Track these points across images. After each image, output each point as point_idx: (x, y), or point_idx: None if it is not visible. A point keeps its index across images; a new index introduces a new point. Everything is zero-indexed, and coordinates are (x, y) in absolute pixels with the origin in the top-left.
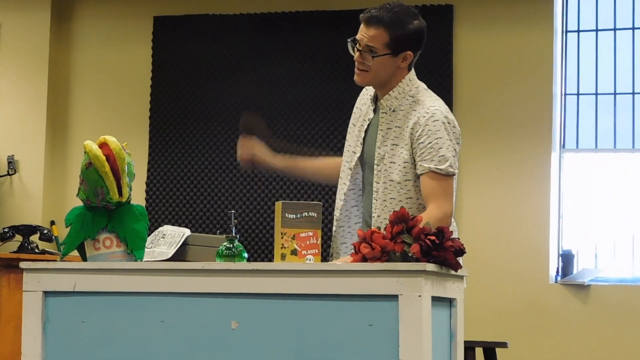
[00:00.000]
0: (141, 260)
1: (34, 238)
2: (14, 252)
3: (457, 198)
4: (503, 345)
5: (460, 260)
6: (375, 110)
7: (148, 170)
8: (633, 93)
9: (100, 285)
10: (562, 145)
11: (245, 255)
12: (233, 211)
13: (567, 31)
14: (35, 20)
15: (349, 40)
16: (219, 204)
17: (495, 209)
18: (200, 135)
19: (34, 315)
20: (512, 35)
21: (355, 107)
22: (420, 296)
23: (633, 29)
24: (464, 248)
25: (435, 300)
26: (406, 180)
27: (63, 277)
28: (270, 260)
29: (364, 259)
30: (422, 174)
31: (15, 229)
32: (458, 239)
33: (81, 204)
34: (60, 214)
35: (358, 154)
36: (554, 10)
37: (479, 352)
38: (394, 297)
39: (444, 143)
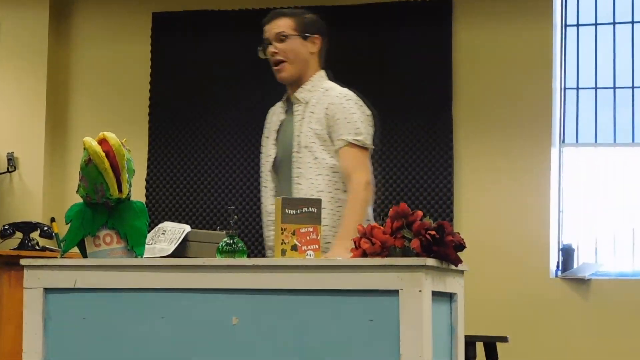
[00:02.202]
0: (141, 257)
1: (34, 235)
2: (14, 249)
3: (457, 193)
4: (504, 339)
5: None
6: (287, 112)
7: (148, 166)
8: (633, 87)
9: (100, 281)
10: (562, 140)
11: (246, 251)
12: (233, 207)
13: (566, 25)
14: (34, 17)
15: (259, 48)
16: (219, 200)
17: (495, 204)
18: (200, 131)
19: (34, 312)
20: (511, 30)
21: (265, 123)
22: (420, 291)
23: (632, 22)
24: (464, 243)
25: (436, 295)
26: (330, 157)
27: (63, 273)
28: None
29: (364, 254)
30: (340, 148)
31: (16, 226)
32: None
33: (81, 200)
34: (60, 210)
35: (273, 156)
36: (553, 5)
37: (479, 347)
38: (395, 292)
39: (358, 118)
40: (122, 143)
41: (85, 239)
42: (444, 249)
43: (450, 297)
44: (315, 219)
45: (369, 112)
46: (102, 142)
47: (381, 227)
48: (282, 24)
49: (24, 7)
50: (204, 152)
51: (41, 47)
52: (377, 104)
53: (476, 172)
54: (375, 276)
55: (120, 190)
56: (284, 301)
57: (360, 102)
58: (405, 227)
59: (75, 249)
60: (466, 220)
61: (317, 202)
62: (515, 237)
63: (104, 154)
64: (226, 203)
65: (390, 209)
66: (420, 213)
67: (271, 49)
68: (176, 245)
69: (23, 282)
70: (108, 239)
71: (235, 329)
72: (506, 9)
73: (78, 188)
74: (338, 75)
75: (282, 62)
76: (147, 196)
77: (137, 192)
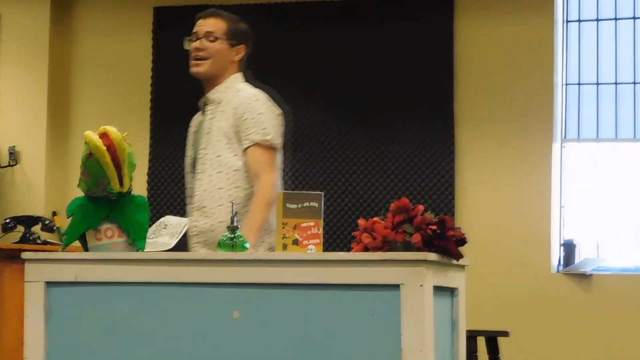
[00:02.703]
0: (143, 251)
1: (36, 229)
2: (16, 242)
3: (459, 188)
4: (505, 334)
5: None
6: (203, 113)
7: (150, 160)
8: (634, 83)
9: (102, 275)
10: (564, 135)
11: (247, 245)
12: (234, 201)
13: (568, 21)
14: (35, 10)
15: (185, 38)
16: None
17: (497, 199)
18: None
19: (36, 305)
20: (513, 26)
21: (189, 131)
22: (422, 286)
23: (634, 18)
24: (466, 238)
25: (437, 289)
26: (234, 155)
27: (65, 267)
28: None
29: (366, 249)
30: (248, 147)
31: (17, 220)
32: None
33: (82, 194)
34: (62, 204)
35: (191, 156)
36: (555, 0)
37: (481, 341)
38: (396, 287)
39: (266, 118)
40: (123, 137)
41: (87, 233)
42: (446, 244)
43: (451, 291)
44: (317, 214)
45: (279, 111)
46: (103, 136)
47: (382, 222)
48: (216, 25)
49: (25, 1)
50: None
51: (43, 40)
52: (379, 98)
53: (478, 167)
54: (376, 270)
55: (121, 184)
56: (286, 295)
57: (270, 102)
58: (407, 222)
59: (77, 243)
60: (468, 216)
61: (318, 197)
62: (517, 232)
63: (105, 148)
64: None
65: (392, 204)
66: (421, 208)
67: (197, 44)
68: (178, 239)
69: (24, 276)
70: (109, 233)
71: (236, 323)
72: (508, 5)
73: (79, 182)
74: (340, 68)
75: (203, 59)
76: (148, 190)
77: (139, 186)
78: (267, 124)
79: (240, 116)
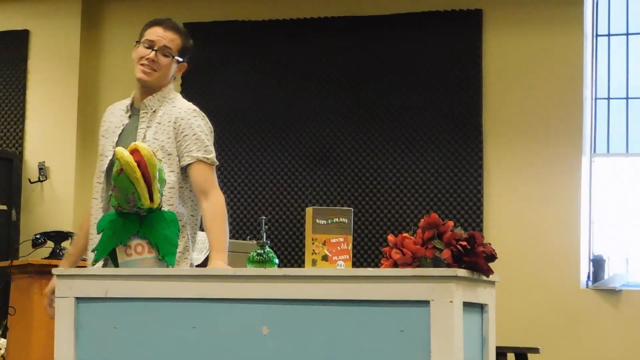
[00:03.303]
0: (172, 266)
1: (66, 244)
2: (46, 258)
3: (487, 203)
4: (535, 350)
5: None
6: (131, 117)
7: None
8: None
9: (131, 291)
10: (593, 150)
11: (276, 261)
12: (264, 217)
13: (597, 35)
14: (65, 26)
15: (140, 41)
16: (249, 209)
17: (525, 214)
18: (229, 141)
19: (66, 321)
20: (542, 39)
21: (103, 121)
22: (451, 302)
23: None
24: (496, 253)
25: (467, 305)
26: (170, 171)
27: (95, 283)
28: (301, 266)
29: (395, 265)
30: (190, 164)
31: (47, 235)
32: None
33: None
34: None
35: (110, 157)
36: (584, 14)
37: (510, 358)
38: (425, 303)
39: (206, 136)
40: (153, 153)
41: (117, 249)
42: (475, 260)
43: (481, 307)
44: (346, 229)
45: (211, 127)
46: (134, 152)
47: (412, 238)
48: (173, 41)
49: (55, 17)
50: (234, 162)
51: (73, 56)
52: (407, 112)
53: (506, 182)
54: (406, 287)
55: (151, 199)
56: (315, 311)
57: (206, 118)
58: (436, 238)
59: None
60: (496, 231)
61: (347, 213)
62: (546, 248)
63: (135, 164)
64: (255, 213)
65: (421, 219)
66: (451, 223)
67: (153, 56)
68: (206, 254)
69: (55, 291)
70: (139, 249)
71: (265, 339)
72: (537, 18)
73: (110, 198)
74: (369, 83)
75: (153, 70)
76: None
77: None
78: (207, 141)
79: (181, 132)
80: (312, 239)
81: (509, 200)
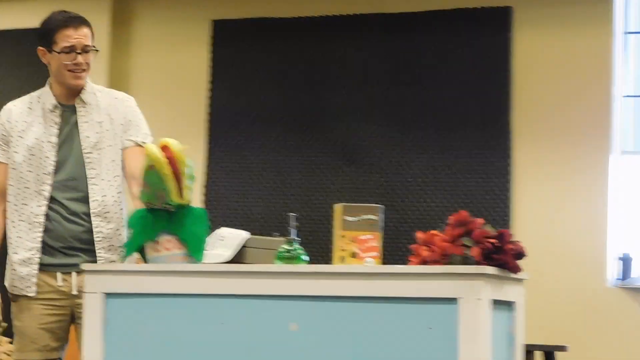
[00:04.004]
0: (201, 263)
1: None
2: None
3: (515, 200)
4: (562, 348)
5: None
6: (62, 115)
7: (207, 173)
8: None
9: (160, 287)
10: (621, 148)
11: (305, 257)
12: (293, 214)
13: (626, 32)
14: (94, 24)
15: (53, 49)
16: (277, 206)
17: (553, 212)
18: (257, 137)
19: (94, 316)
20: (571, 37)
21: (7, 121)
22: (480, 299)
23: None
24: (524, 251)
25: (495, 303)
26: (120, 159)
27: (124, 278)
28: (329, 262)
29: (424, 262)
30: (128, 148)
31: None
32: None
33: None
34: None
35: (54, 159)
36: (613, 12)
37: (538, 356)
38: (454, 300)
39: (142, 122)
40: (183, 149)
41: (146, 245)
42: (504, 257)
43: (509, 305)
44: (375, 226)
45: None
46: (164, 148)
47: (441, 235)
48: (87, 35)
49: (84, 14)
50: (262, 158)
51: (102, 54)
52: (436, 110)
53: (534, 179)
54: (434, 284)
55: (181, 196)
56: (343, 308)
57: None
58: (466, 235)
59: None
60: (523, 228)
61: (376, 209)
62: (574, 246)
63: (165, 161)
64: (284, 209)
65: (450, 217)
66: (480, 221)
67: (80, 59)
68: (235, 251)
69: (84, 287)
70: (168, 245)
71: (293, 335)
72: (566, 16)
73: (140, 194)
74: (397, 81)
75: (84, 71)
76: (205, 202)
77: (195, 198)
78: (145, 128)
79: (125, 117)
80: (341, 236)
81: (537, 198)
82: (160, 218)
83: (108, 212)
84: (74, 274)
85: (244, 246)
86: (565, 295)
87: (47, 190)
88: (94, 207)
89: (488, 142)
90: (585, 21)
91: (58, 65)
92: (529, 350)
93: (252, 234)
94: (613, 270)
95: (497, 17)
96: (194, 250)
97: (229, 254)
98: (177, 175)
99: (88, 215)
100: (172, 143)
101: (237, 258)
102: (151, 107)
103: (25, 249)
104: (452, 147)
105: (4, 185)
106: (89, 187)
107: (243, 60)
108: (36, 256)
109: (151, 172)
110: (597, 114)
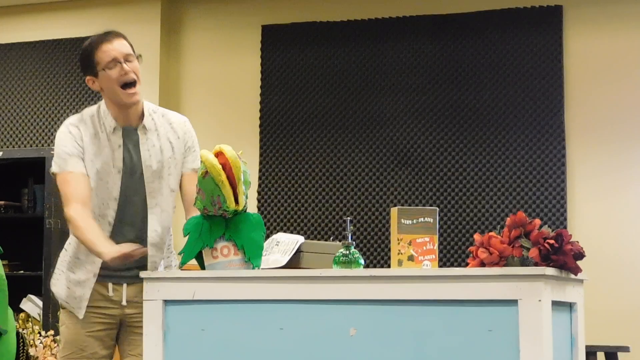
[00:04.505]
0: (259, 268)
1: None
2: None
3: (571, 200)
4: (625, 349)
5: None
6: (124, 138)
7: (259, 178)
8: None
9: (219, 293)
10: None
11: (362, 261)
12: (350, 218)
13: None
14: (145, 32)
15: (98, 71)
16: (330, 210)
17: (610, 211)
18: (310, 142)
19: (154, 323)
20: (623, 35)
21: (73, 143)
22: (540, 301)
23: None
24: (584, 252)
25: (556, 304)
26: (178, 188)
27: (182, 285)
28: (386, 266)
29: (482, 264)
30: (188, 173)
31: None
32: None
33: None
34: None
35: (119, 184)
36: None
37: (600, 357)
38: (514, 302)
39: (198, 145)
40: (238, 155)
41: (203, 251)
42: (563, 258)
43: (570, 306)
44: (431, 229)
45: None
46: (219, 154)
47: (499, 237)
48: (125, 44)
49: (135, 22)
50: (315, 163)
51: (153, 61)
52: (488, 111)
53: (589, 179)
54: (493, 286)
55: (236, 202)
56: (402, 311)
57: None
58: (523, 236)
59: (194, 261)
60: (580, 228)
61: (433, 212)
62: (632, 245)
63: (220, 167)
64: (337, 213)
65: (508, 218)
66: (538, 222)
67: (127, 67)
68: (290, 256)
69: (143, 294)
70: (225, 251)
71: (353, 339)
72: (618, 14)
73: (195, 201)
74: (452, 85)
75: (134, 84)
76: (258, 208)
77: (249, 203)
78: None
79: (185, 143)
80: (398, 239)
81: (593, 198)
82: (217, 224)
83: (163, 242)
84: (124, 285)
85: (299, 251)
86: (625, 294)
87: (110, 216)
88: (152, 237)
89: (542, 142)
90: (636, 18)
91: (108, 83)
92: (591, 351)
93: (306, 238)
94: None
95: (548, 16)
96: (252, 256)
97: (286, 259)
98: (232, 181)
99: (143, 241)
100: (227, 149)
101: (293, 263)
102: (203, 114)
103: (83, 272)
104: (506, 148)
105: (88, 197)
106: (149, 216)
107: (293, 65)
108: (92, 280)
109: (206, 179)
110: None
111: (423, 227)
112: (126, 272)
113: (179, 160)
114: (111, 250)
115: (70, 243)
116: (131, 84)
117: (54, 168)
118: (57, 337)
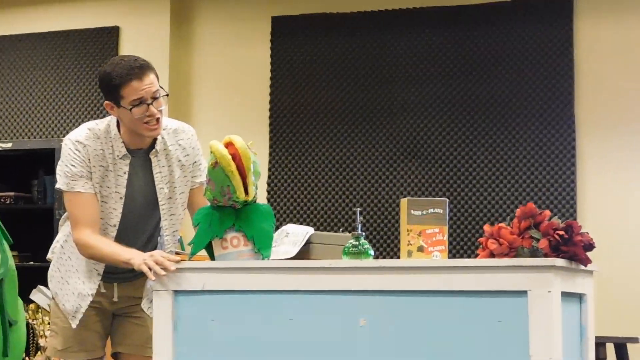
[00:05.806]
0: (268, 259)
1: None
2: None
3: (581, 192)
4: (634, 340)
5: None
6: (131, 164)
7: (269, 169)
8: None
9: (228, 284)
10: None
11: (372, 252)
12: (359, 209)
13: None
14: (155, 23)
15: (122, 105)
16: (340, 201)
17: (620, 203)
18: (320, 133)
19: (164, 314)
20: (635, 26)
21: (85, 161)
22: (550, 292)
23: None
24: (594, 243)
25: (565, 295)
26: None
27: (192, 276)
28: (396, 257)
29: (492, 255)
30: (196, 187)
31: None
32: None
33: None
34: (185, 214)
35: (120, 210)
36: None
37: (609, 348)
38: (523, 293)
39: (203, 157)
40: (248, 146)
41: (213, 242)
42: (573, 249)
43: (579, 297)
44: (441, 220)
45: None
46: (229, 145)
47: (508, 228)
48: (154, 81)
49: (145, 14)
50: (324, 154)
51: (163, 52)
52: (499, 102)
53: (599, 171)
54: (503, 277)
55: (246, 192)
56: (412, 302)
57: None
58: (533, 227)
59: (203, 252)
60: (590, 220)
61: (442, 203)
62: None
63: (230, 157)
64: (347, 205)
65: (517, 209)
66: (548, 213)
67: (153, 110)
68: (300, 247)
69: (143, 290)
70: (235, 242)
71: (363, 330)
72: (629, 5)
73: (205, 191)
74: (461, 77)
75: (158, 120)
76: (268, 199)
77: (259, 194)
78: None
79: (194, 160)
80: (408, 230)
81: (603, 188)
82: (227, 215)
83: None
84: (115, 284)
85: (309, 242)
86: (636, 286)
87: (111, 228)
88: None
89: (552, 133)
90: None
91: (130, 119)
92: (600, 342)
93: (315, 229)
94: None
95: (558, 7)
96: (262, 247)
97: (296, 250)
98: (242, 172)
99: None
100: (237, 140)
101: (302, 254)
102: (213, 105)
103: (83, 286)
104: (516, 139)
105: (97, 220)
106: (164, 237)
107: (303, 56)
108: (90, 297)
109: (216, 170)
110: None
111: (433, 218)
112: (120, 274)
113: (188, 178)
114: (138, 256)
115: (72, 256)
116: (155, 123)
117: (62, 185)
118: None
